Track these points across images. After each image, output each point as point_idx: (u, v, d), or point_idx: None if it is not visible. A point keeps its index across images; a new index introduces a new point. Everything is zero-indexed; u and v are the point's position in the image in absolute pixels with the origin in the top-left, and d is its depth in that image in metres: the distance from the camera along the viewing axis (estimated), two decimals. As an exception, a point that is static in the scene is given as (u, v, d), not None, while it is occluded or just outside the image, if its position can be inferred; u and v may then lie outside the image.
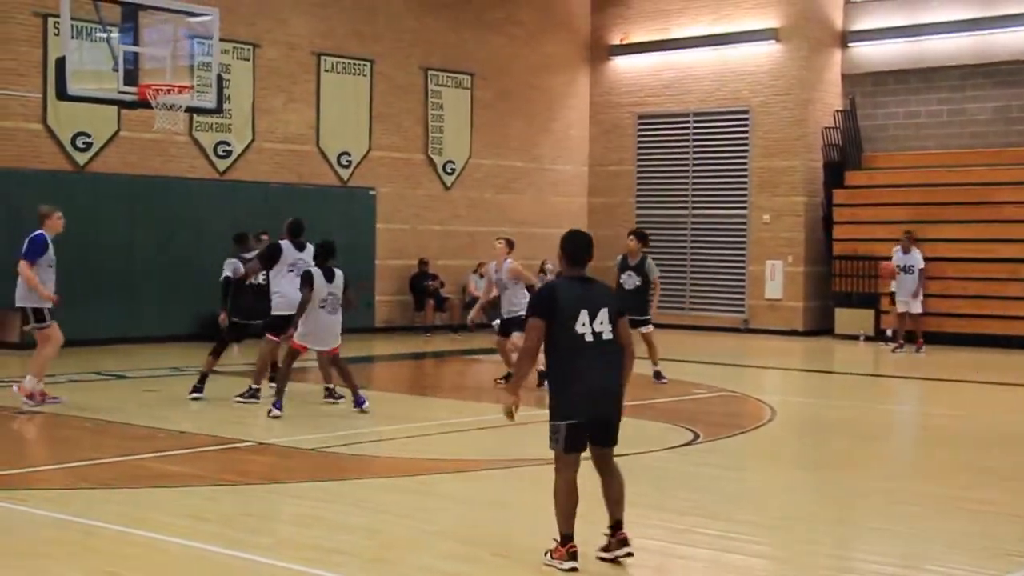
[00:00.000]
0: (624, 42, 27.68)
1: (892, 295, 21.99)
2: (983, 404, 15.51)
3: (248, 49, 22.24)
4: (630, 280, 15.45)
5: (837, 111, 25.67)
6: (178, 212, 21.01)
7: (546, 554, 7.01)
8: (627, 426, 11.77)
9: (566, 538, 6.94)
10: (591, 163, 28.28)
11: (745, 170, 26.01)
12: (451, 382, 17.94)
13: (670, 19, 26.92)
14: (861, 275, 24.04)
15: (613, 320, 6.98)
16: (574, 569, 6.87)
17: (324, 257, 12.82)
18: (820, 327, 24.85)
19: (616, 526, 7.08)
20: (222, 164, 22.07)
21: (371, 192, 23.91)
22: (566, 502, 6.97)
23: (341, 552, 7.47)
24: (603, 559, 7.04)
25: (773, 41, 25.52)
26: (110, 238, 19.98)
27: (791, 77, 25.39)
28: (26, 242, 12.70)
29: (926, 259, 21.68)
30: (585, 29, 28.17)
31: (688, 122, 26.82)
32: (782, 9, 25.46)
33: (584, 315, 6.91)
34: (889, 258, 21.98)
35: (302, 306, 12.62)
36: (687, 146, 26.85)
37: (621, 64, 27.81)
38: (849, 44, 25.84)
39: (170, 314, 20.74)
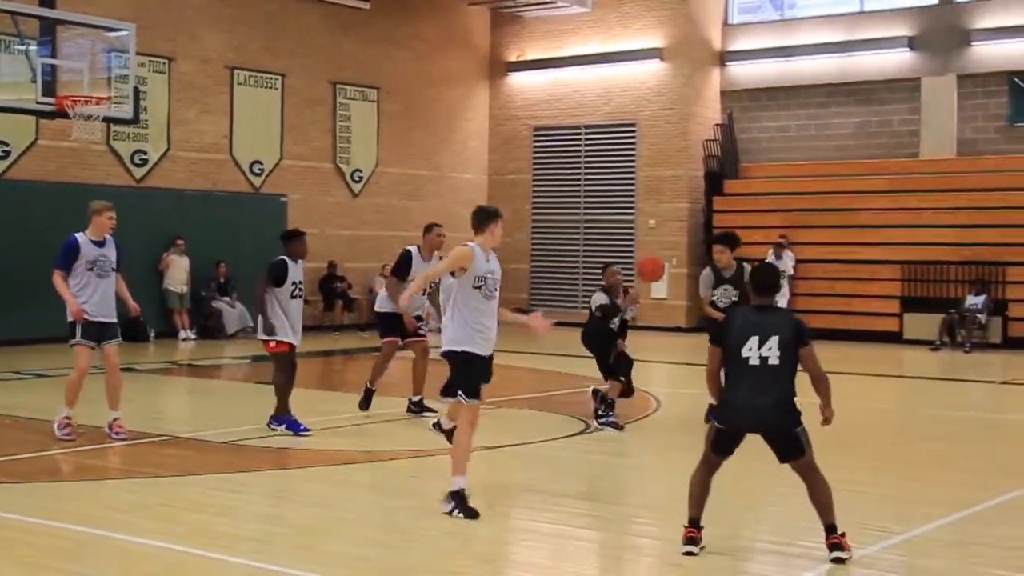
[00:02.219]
0: (520, 59, 27.78)
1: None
2: (848, 393, 15.83)
3: (164, 63, 21.86)
4: (725, 296, 11.89)
5: (716, 125, 26.06)
6: (96, 218, 20.57)
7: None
8: (526, 417, 11.85)
9: (691, 521, 7.14)
10: (490, 172, 28.32)
11: (632, 179, 26.26)
12: (359, 378, 17.77)
13: (563, 38, 27.09)
14: (738, 276, 24.38)
15: (785, 347, 7.06)
16: (689, 553, 7.00)
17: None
18: (702, 324, 25.14)
19: (827, 529, 7.00)
20: (139, 172, 21.67)
21: (282, 199, 23.65)
22: (694, 490, 7.26)
23: (257, 540, 7.38)
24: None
25: (658, 60, 25.81)
26: (30, 243, 19.43)
27: (674, 93, 25.70)
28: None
29: (797, 261, 22.17)
30: (484, 47, 28.21)
31: (580, 134, 27.00)
32: (666, 31, 25.77)
33: (752, 340, 7.03)
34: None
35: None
36: (579, 156, 27.03)
37: (518, 80, 27.90)
38: (727, 63, 26.24)
39: (89, 315, 20.28)
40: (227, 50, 23.00)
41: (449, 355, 8.02)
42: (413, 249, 12.33)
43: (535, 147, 27.66)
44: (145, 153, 21.70)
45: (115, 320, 10.83)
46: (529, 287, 27.34)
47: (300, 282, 11.20)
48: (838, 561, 6.87)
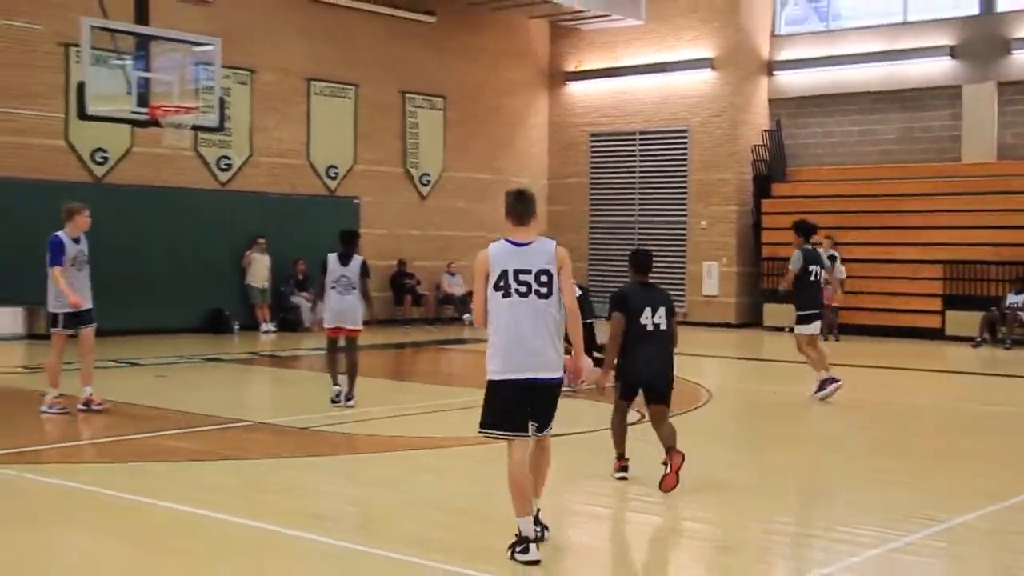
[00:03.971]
0: (578, 69, 27.74)
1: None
2: (892, 387, 15.67)
3: (247, 74, 22.14)
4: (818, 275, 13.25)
5: (765, 130, 25.83)
6: (185, 219, 20.91)
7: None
8: (584, 406, 11.87)
9: (620, 455, 8.58)
10: (550, 176, 28.32)
11: (685, 182, 26.13)
12: (427, 369, 17.91)
13: (619, 49, 27.00)
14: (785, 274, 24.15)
15: (668, 316, 8.40)
16: (623, 478, 8.46)
17: (341, 243, 12.05)
18: (750, 320, 25.00)
19: (668, 450, 8.34)
20: (224, 176, 21.97)
21: (355, 201, 23.85)
22: (616, 431, 8.62)
23: (330, 519, 7.47)
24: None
25: (709, 69, 25.65)
26: (125, 242, 19.84)
27: (724, 101, 25.53)
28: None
29: (842, 260, 21.94)
30: (544, 57, 28.21)
31: (634, 140, 26.91)
32: (717, 41, 25.59)
33: (647, 311, 8.28)
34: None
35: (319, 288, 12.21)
36: (634, 161, 26.94)
37: (576, 88, 27.86)
38: (775, 72, 26.01)
39: (178, 309, 20.64)
40: (305, 62, 23.22)
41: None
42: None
43: (592, 152, 27.61)
44: (229, 159, 22.00)
45: (91, 306, 11.38)
46: (586, 283, 27.27)
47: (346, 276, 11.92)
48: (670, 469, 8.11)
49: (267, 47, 22.56)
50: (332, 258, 11.91)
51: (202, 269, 21.00)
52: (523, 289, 6.31)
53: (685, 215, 26.07)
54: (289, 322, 22.00)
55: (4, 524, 7.10)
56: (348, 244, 11.99)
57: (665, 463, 8.23)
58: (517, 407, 6.35)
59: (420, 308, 24.48)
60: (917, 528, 7.29)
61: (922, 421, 12.41)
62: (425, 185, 25.61)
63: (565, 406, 10.64)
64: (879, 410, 13.31)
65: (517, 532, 6.33)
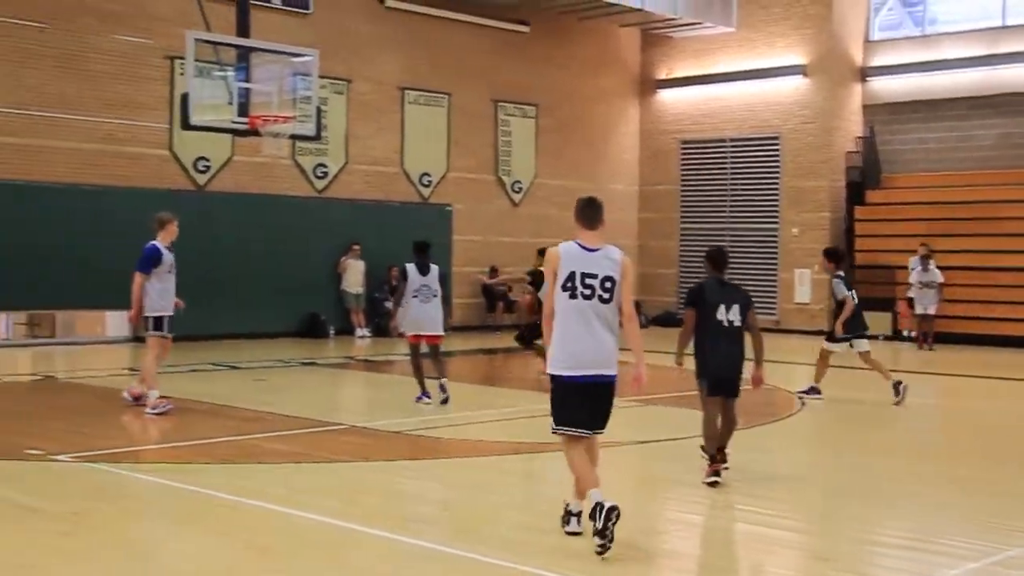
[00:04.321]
0: (669, 76, 27.51)
1: (911, 300, 21.67)
2: (991, 396, 15.18)
3: (343, 84, 22.39)
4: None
5: (858, 137, 25.32)
6: (283, 225, 21.20)
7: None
8: (675, 414, 11.68)
9: (712, 458, 8.34)
10: (641, 183, 28.12)
11: (776, 189, 25.72)
12: (519, 374, 17.85)
13: (710, 56, 26.71)
14: (880, 282, 23.65)
15: (743, 312, 8.38)
16: (715, 483, 8.19)
17: (416, 253, 12.38)
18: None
19: (720, 450, 8.43)
20: (320, 184, 22.24)
21: (448, 208, 23.95)
22: (709, 433, 8.41)
23: (423, 521, 7.44)
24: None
25: (801, 76, 25.23)
26: (225, 248, 20.21)
27: (817, 107, 25.08)
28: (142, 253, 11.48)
29: (938, 268, 21.40)
30: (635, 65, 28.02)
31: (726, 147, 26.58)
32: (809, 48, 25.16)
33: (721, 307, 8.31)
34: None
35: (398, 297, 12.54)
36: (725, 168, 26.61)
37: (666, 96, 27.64)
38: (868, 78, 25.48)
39: (276, 313, 20.93)
40: (399, 72, 23.41)
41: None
42: None
43: (683, 159, 27.35)
44: (325, 167, 22.26)
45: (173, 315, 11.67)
46: (677, 291, 27.03)
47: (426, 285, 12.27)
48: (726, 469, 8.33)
49: (362, 58, 22.79)
50: (412, 268, 12.25)
51: (299, 274, 21.27)
52: (588, 292, 6.62)
53: (777, 222, 25.65)
54: (383, 327, 22.10)
55: (106, 520, 7.22)
56: (424, 254, 12.30)
57: (716, 456, 8.43)
58: (583, 404, 6.63)
59: (511, 314, 24.48)
60: (1019, 542, 7.00)
61: (1021, 432, 11.97)
62: (517, 192, 25.62)
63: (657, 414, 10.42)
64: (976, 420, 12.90)
65: (592, 504, 6.43)
